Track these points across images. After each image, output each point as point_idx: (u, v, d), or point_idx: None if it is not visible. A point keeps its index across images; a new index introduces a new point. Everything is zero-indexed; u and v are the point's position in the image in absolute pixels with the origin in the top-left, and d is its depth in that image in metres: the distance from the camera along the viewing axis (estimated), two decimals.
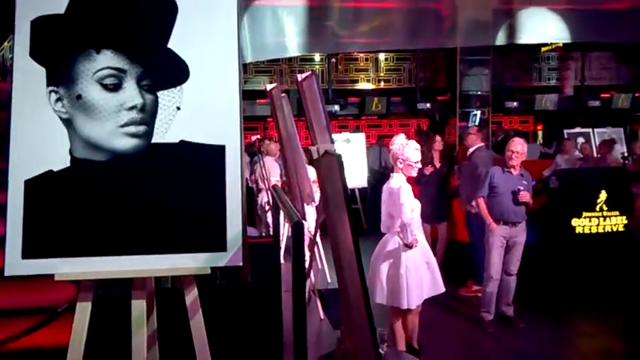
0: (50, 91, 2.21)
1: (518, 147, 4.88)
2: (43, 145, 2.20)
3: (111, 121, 2.20)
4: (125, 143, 2.21)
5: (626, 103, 12.14)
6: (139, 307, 2.20)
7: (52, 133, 2.20)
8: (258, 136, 8.51)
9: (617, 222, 6.41)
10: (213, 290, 2.45)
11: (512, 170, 4.91)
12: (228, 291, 2.83)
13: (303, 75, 3.94)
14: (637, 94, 12.15)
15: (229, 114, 2.25)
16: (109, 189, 2.20)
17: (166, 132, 2.21)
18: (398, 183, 3.87)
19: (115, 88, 2.21)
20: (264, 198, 7.32)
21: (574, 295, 5.70)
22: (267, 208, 7.17)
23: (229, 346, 2.68)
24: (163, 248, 2.18)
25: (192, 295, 2.21)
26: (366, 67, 12.29)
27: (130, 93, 2.21)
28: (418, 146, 3.97)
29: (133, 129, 2.20)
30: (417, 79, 12.20)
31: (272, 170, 7.10)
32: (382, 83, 12.33)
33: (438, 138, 6.75)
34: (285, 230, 6.22)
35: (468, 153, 6.05)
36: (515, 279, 4.97)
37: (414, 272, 3.83)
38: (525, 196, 4.78)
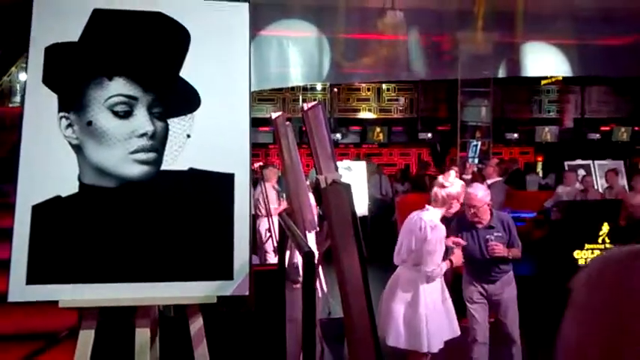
0: (61, 117, 2.23)
1: (478, 197, 4.05)
2: (51, 170, 2.20)
3: (121, 147, 2.21)
4: (134, 170, 2.21)
5: (625, 136, 12.24)
6: (142, 335, 2.18)
7: (61, 159, 2.20)
8: (261, 163, 8.53)
9: None
10: (217, 318, 2.42)
11: (478, 224, 4.15)
12: (232, 319, 2.79)
13: (309, 104, 3.98)
14: (636, 128, 12.24)
15: (239, 142, 2.27)
16: (117, 216, 2.19)
17: (176, 159, 2.22)
18: (434, 220, 3.70)
19: (126, 115, 2.23)
20: (264, 225, 7.29)
21: None
22: (267, 235, 7.14)
23: None
24: (169, 276, 2.17)
25: (197, 324, 2.19)
26: (367, 97, 12.41)
27: (141, 120, 2.22)
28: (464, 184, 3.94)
29: (142, 156, 2.21)
30: (418, 109, 12.32)
31: (271, 196, 7.09)
32: (383, 113, 12.45)
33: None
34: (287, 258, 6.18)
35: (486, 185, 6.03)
36: (520, 347, 4.27)
37: (434, 312, 3.65)
38: (497, 248, 4.04)
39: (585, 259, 6.53)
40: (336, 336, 4.73)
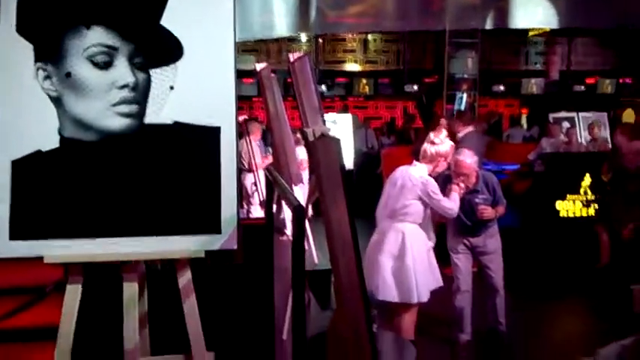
0: (38, 68, 2.14)
1: (467, 163, 4.05)
2: (31, 124, 2.13)
3: (102, 99, 2.14)
4: (116, 123, 2.15)
5: (610, 88, 12.26)
6: (130, 289, 2.17)
7: (40, 112, 2.13)
8: (245, 117, 8.43)
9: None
10: (205, 271, 2.42)
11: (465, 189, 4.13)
12: (220, 272, 2.80)
13: (296, 56, 3.88)
14: (620, 80, 12.26)
15: (224, 94, 2.20)
16: (100, 170, 2.14)
17: (159, 112, 2.16)
18: (423, 175, 3.75)
19: (106, 65, 2.15)
20: (249, 179, 7.28)
21: (556, 277, 5.79)
22: (253, 189, 7.13)
23: (221, 327, 2.66)
24: (156, 230, 2.15)
25: (185, 278, 2.19)
26: (353, 48, 12.20)
27: (122, 71, 2.14)
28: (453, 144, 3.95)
29: (124, 108, 2.15)
30: (404, 61, 12.15)
31: (255, 151, 7.05)
32: (369, 64, 12.28)
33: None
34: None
35: (458, 139, 5.99)
36: (503, 296, 4.38)
37: (421, 263, 3.70)
38: (486, 212, 4.14)
39: (567, 210, 6.65)
40: (323, 287, 4.80)
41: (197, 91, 2.18)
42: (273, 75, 4.48)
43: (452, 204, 3.81)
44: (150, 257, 2.19)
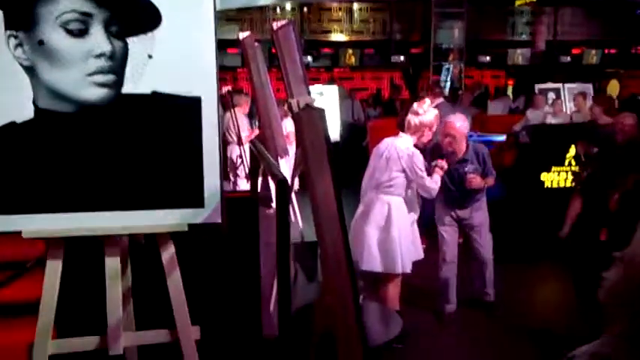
0: (9, 36, 2.04)
1: (457, 126, 4.03)
2: (3, 94, 2.04)
3: (77, 69, 2.05)
4: (93, 93, 2.07)
5: (595, 59, 12.25)
6: (112, 264, 2.13)
7: (12, 82, 2.04)
8: (229, 88, 8.29)
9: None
10: (189, 245, 2.38)
11: (452, 156, 4.11)
12: (204, 246, 2.76)
13: (279, 23, 3.77)
14: (606, 51, 12.25)
15: (205, 63, 2.12)
16: (78, 142, 2.07)
17: (138, 82, 2.08)
18: (410, 146, 3.75)
19: (81, 33, 2.05)
20: (234, 152, 7.20)
21: (541, 248, 5.84)
22: (238, 162, 7.07)
23: (206, 301, 2.64)
24: (137, 204, 2.09)
25: (168, 253, 2.15)
26: (339, 18, 12.00)
27: (97, 39, 2.05)
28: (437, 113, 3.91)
29: (101, 78, 2.06)
30: (391, 31, 12.00)
31: (241, 124, 6.97)
32: (355, 35, 12.11)
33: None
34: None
35: None
36: (492, 268, 4.41)
37: (405, 234, 3.74)
38: (474, 181, 4.09)
39: (551, 181, 6.69)
40: (309, 259, 4.80)
41: (176, 61, 2.10)
42: (256, 44, 4.38)
43: (432, 183, 3.77)
44: (131, 232, 2.14)
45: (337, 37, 12.07)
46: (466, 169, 4.14)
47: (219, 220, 2.16)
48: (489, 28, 12.47)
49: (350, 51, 11.78)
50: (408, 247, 3.76)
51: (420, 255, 3.91)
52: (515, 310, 4.49)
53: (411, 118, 3.80)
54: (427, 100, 3.96)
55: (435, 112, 3.86)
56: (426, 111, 3.79)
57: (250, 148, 2.62)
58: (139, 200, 2.11)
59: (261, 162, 2.36)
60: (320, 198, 2.17)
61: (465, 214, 4.30)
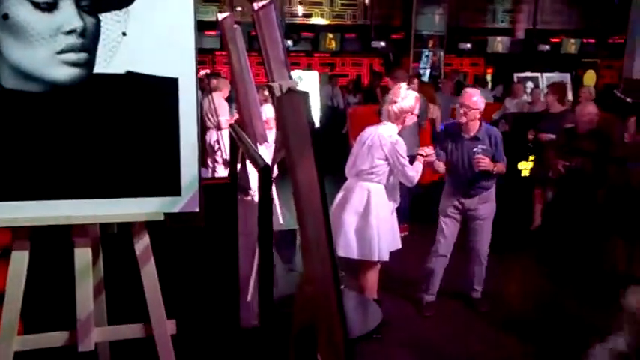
0: None
1: (473, 98, 3.92)
2: None
3: (46, 46, 1.91)
4: (63, 72, 1.93)
5: (573, 48, 12.35)
6: (83, 255, 2.02)
7: None
8: (207, 71, 8.11)
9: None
10: (164, 235, 2.27)
11: (464, 134, 4.01)
12: (181, 235, 2.66)
13: (260, 3, 3.62)
14: (584, 41, 12.35)
15: (183, 42, 2.00)
16: (46, 125, 1.94)
17: (111, 61, 1.95)
18: (393, 135, 3.68)
19: (50, 7, 1.91)
20: (212, 137, 7.05)
21: (517, 238, 5.88)
22: (215, 147, 6.93)
23: (182, 293, 2.54)
24: (109, 192, 1.98)
25: (142, 243, 2.04)
26: (319, 1, 11.83)
27: (68, 14, 1.91)
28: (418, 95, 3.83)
29: (72, 56, 1.92)
30: (372, 15, 11.88)
31: (221, 108, 6.82)
32: (336, 19, 11.96)
33: None
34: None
35: None
36: (485, 265, 4.27)
37: (384, 222, 3.70)
38: (482, 161, 3.88)
39: (528, 170, 6.70)
40: (288, 247, 4.73)
41: (152, 39, 1.97)
42: (236, 26, 4.24)
43: (413, 172, 3.71)
44: (103, 221, 2.02)
45: (317, 20, 11.91)
46: (475, 149, 3.95)
47: (197, 209, 2.06)
48: (470, 15, 12.45)
49: (330, 35, 11.64)
50: (386, 235, 3.73)
51: (398, 245, 3.88)
52: (495, 300, 4.49)
53: (390, 108, 3.74)
54: (403, 85, 3.89)
55: (414, 94, 3.78)
56: (404, 97, 3.72)
57: (230, 133, 2.51)
58: (111, 187, 1.99)
59: (242, 148, 2.25)
60: (302, 184, 2.09)
61: (471, 204, 4.10)
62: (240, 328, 2.87)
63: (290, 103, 2.04)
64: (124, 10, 1.96)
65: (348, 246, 3.69)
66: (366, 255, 3.72)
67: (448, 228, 4.19)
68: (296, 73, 9.32)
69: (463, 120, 3.96)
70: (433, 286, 4.30)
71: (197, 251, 2.90)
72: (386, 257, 3.76)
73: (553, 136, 5.64)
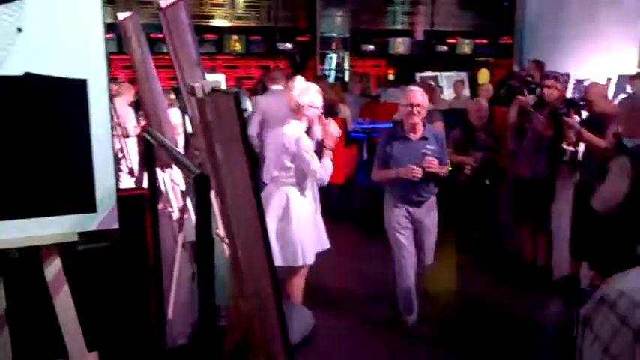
0: None
1: (423, 97, 3.66)
2: None
3: None
4: None
5: (468, 49, 13.02)
6: None
7: None
8: None
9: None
10: (74, 257, 2.03)
11: (411, 135, 3.72)
12: (94, 256, 2.40)
13: (168, 1, 3.38)
14: (476, 41, 13.08)
15: (90, 39, 1.79)
16: None
17: (4, 61, 1.69)
18: (298, 131, 3.54)
19: None
20: (115, 145, 6.63)
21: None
22: (120, 156, 6.53)
23: (101, 319, 2.29)
24: (14, 212, 1.71)
25: (54, 268, 1.79)
26: (222, 3, 11.53)
27: None
28: (319, 88, 3.69)
29: None
30: (276, 17, 11.79)
31: (126, 115, 6.45)
32: (240, 21, 11.72)
33: None
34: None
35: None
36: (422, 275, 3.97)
37: (306, 225, 3.60)
38: (432, 163, 3.63)
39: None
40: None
41: (54, 35, 1.74)
42: (140, 27, 3.97)
43: (320, 168, 3.53)
44: (9, 245, 1.75)
45: (221, 22, 11.60)
46: (423, 150, 3.67)
47: (116, 225, 1.85)
48: (371, 17, 12.73)
49: (234, 37, 11.37)
50: (310, 237, 3.64)
51: (326, 244, 3.80)
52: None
53: (289, 103, 3.64)
54: (298, 78, 3.76)
55: (312, 86, 3.67)
56: (301, 90, 3.60)
57: (145, 138, 2.30)
58: (11, 207, 1.73)
59: (166, 154, 2.06)
60: (233, 191, 1.94)
61: (420, 214, 3.80)
62: (167, 350, 2.65)
63: (216, 104, 1.89)
64: (17, 2, 1.71)
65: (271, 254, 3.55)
66: (290, 261, 3.61)
67: (407, 239, 3.85)
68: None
69: (416, 120, 3.66)
70: (415, 305, 3.96)
71: (114, 271, 2.64)
72: (311, 261, 3.67)
73: None
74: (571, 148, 4.74)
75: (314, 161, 3.52)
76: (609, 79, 9.44)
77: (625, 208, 3.10)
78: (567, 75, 10.47)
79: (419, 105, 3.65)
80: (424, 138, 3.74)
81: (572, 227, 4.55)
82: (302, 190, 3.64)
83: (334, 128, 3.59)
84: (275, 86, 6.32)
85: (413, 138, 3.73)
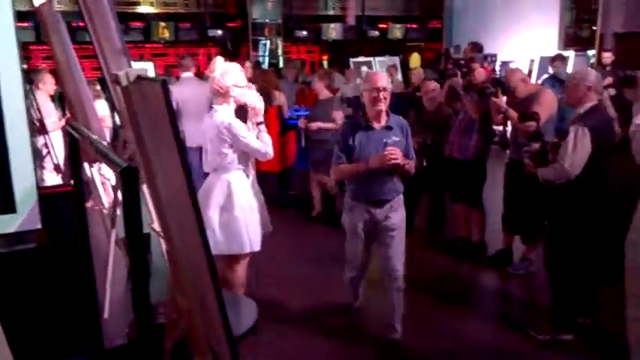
0: None
1: (384, 81, 3.33)
2: None
3: None
4: None
5: (399, 33, 13.23)
6: None
7: None
8: (24, 66, 7.16)
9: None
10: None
11: (374, 123, 3.35)
12: (17, 260, 2.24)
13: None
14: (408, 26, 13.31)
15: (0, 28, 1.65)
16: None
17: None
18: (227, 117, 3.42)
19: None
20: (39, 141, 6.27)
21: None
22: (44, 152, 6.19)
23: (30, 326, 2.15)
24: None
25: None
26: None
27: None
28: (240, 67, 3.58)
29: None
30: (205, 3, 11.48)
31: (45, 108, 6.09)
32: (167, 7, 11.33)
33: None
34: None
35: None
36: (402, 288, 3.53)
37: (250, 212, 3.54)
38: (394, 153, 3.22)
39: None
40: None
41: None
42: (58, 14, 3.75)
43: (259, 143, 3.45)
44: None
45: (146, 9, 11.17)
46: (386, 140, 3.31)
47: (39, 226, 1.73)
48: (303, 2, 12.67)
49: (162, 24, 10.99)
50: (255, 223, 3.61)
51: (269, 227, 3.78)
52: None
53: (212, 86, 3.52)
54: (218, 59, 3.60)
55: (235, 66, 3.57)
56: (222, 73, 3.48)
57: (69, 132, 2.16)
58: None
59: (91, 148, 1.94)
60: (165, 183, 1.86)
61: (381, 214, 3.42)
62: (104, 351, 2.54)
63: (142, 92, 1.79)
64: None
65: (216, 244, 3.48)
66: (235, 250, 3.56)
67: (363, 243, 3.60)
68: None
69: (382, 107, 3.28)
70: (398, 320, 3.63)
71: (41, 273, 2.48)
72: (257, 247, 3.63)
73: (322, 124, 5.82)
74: (500, 128, 4.93)
75: (253, 140, 3.46)
76: (532, 61, 9.88)
77: (587, 170, 3.36)
78: (494, 56, 10.87)
79: (385, 89, 3.29)
80: (388, 127, 3.38)
81: (505, 204, 4.75)
82: (244, 176, 3.60)
83: (252, 98, 3.51)
84: (185, 74, 6.18)
85: (376, 127, 3.36)
